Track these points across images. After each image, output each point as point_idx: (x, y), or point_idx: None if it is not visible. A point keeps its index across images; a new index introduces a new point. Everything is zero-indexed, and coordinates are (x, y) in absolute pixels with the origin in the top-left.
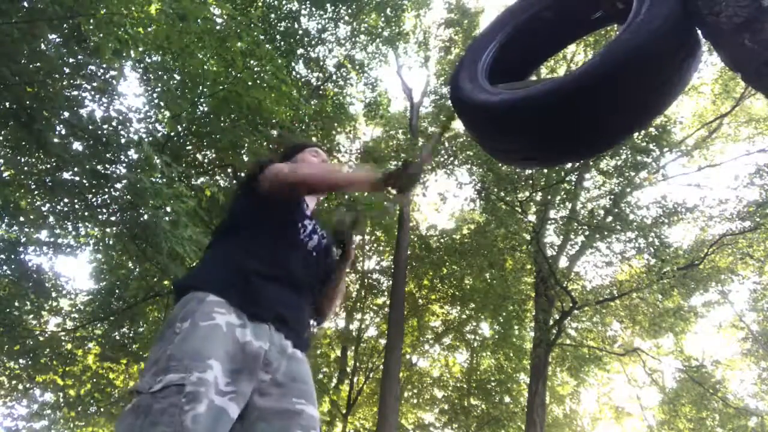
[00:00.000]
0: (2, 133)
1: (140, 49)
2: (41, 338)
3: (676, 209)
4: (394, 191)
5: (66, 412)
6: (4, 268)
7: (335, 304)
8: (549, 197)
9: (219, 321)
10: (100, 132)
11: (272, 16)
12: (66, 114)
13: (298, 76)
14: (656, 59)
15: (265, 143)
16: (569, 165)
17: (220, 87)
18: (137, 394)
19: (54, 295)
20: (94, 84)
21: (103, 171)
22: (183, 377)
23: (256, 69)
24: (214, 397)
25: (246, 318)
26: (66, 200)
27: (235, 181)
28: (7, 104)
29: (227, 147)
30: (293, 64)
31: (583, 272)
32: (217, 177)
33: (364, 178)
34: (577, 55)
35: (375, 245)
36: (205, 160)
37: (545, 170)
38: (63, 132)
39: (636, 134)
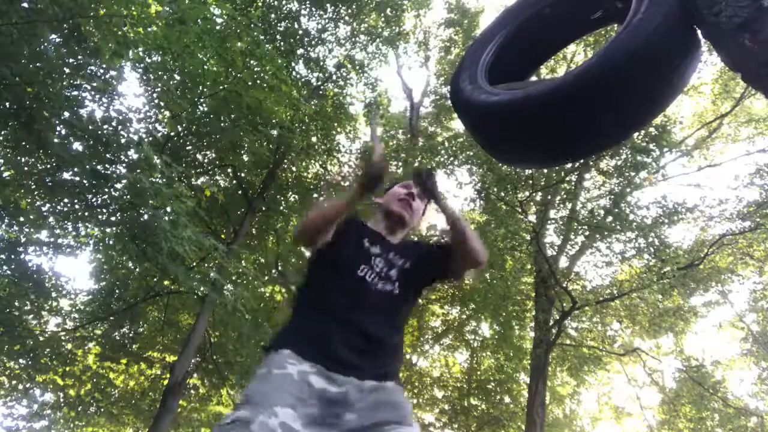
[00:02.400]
0: (2, 133)
1: (140, 49)
2: (41, 338)
3: (676, 209)
4: (372, 194)
5: (66, 412)
6: (4, 268)
7: (473, 251)
8: (549, 197)
9: (291, 370)
10: (100, 132)
11: (272, 16)
12: (66, 114)
13: (298, 76)
14: (655, 59)
15: (265, 143)
16: (569, 165)
17: (220, 87)
18: (217, 426)
19: (54, 295)
20: (94, 84)
21: (103, 171)
22: (250, 416)
23: (256, 69)
24: None
25: (320, 367)
26: (66, 200)
27: (235, 182)
28: (7, 104)
29: (227, 147)
30: (293, 64)
31: (583, 272)
32: (217, 177)
33: (344, 198)
34: (577, 55)
35: None
36: (205, 160)
37: (545, 170)
38: (63, 132)
39: (636, 134)
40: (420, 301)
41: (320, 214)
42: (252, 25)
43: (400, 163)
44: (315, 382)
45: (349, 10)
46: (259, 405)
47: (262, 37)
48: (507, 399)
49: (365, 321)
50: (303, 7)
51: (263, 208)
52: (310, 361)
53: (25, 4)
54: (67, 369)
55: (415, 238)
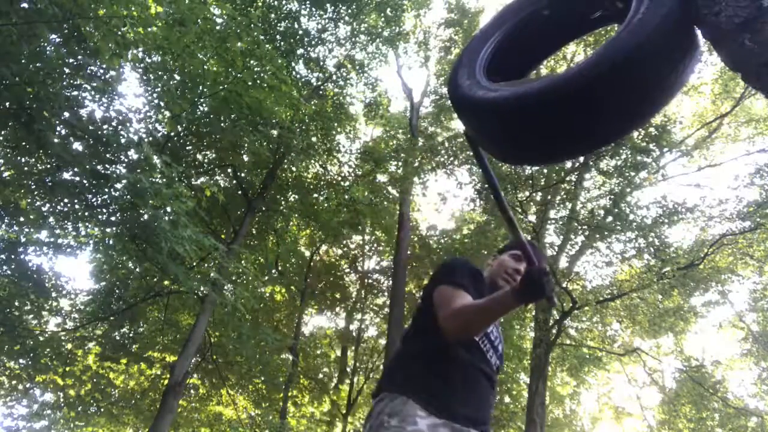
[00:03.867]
0: (2, 133)
1: (140, 49)
2: (41, 338)
3: (676, 209)
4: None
5: (66, 412)
6: (4, 268)
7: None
8: (549, 197)
9: (421, 426)
10: (100, 132)
11: (272, 16)
12: (66, 114)
13: (298, 76)
14: (655, 58)
15: (265, 143)
16: (569, 165)
17: (220, 87)
18: None
19: (54, 295)
20: (94, 84)
21: (103, 171)
22: None
23: (256, 69)
24: None
25: (448, 422)
26: (66, 200)
27: (235, 182)
28: (7, 104)
29: (227, 147)
30: (293, 64)
31: (583, 272)
32: (217, 177)
33: (503, 305)
34: (577, 54)
35: (375, 245)
36: (205, 160)
37: (545, 170)
38: (63, 132)
39: (635, 133)
40: None
41: (476, 325)
42: (252, 25)
43: (399, 163)
44: None
45: (349, 10)
46: None
47: (262, 37)
48: (507, 399)
49: (486, 388)
50: (303, 7)
51: (263, 208)
52: (436, 414)
53: (25, 5)
54: (67, 369)
55: None
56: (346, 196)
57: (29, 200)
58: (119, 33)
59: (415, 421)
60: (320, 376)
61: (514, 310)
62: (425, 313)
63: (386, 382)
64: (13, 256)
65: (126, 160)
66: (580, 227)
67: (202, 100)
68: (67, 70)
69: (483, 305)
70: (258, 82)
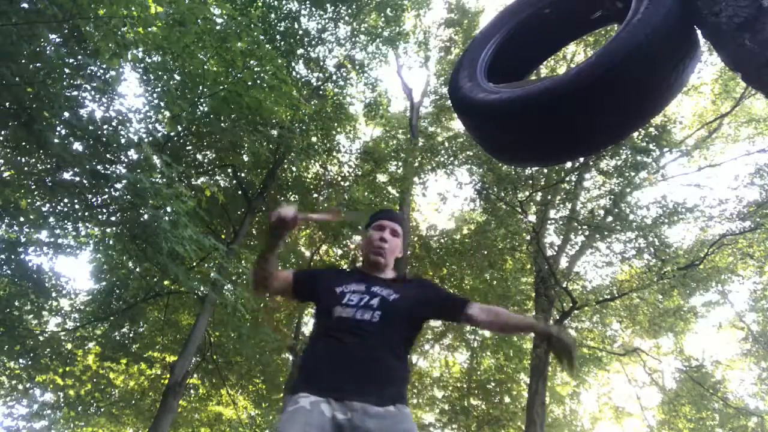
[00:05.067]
0: (2, 133)
1: (140, 49)
2: (41, 338)
3: (676, 209)
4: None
5: (66, 412)
6: (4, 268)
7: (498, 320)
8: (549, 197)
9: (303, 403)
10: (100, 132)
11: (272, 16)
12: (66, 114)
13: (298, 76)
14: (654, 58)
15: (265, 143)
16: (569, 165)
17: (220, 87)
18: None
19: (54, 295)
20: (94, 84)
21: (103, 171)
22: None
23: (256, 69)
24: None
25: (327, 396)
26: (66, 200)
27: (235, 182)
28: (7, 104)
29: (227, 147)
30: (293, 64)
31: (583, 272)
32: (217, 177)
33: (261, 256)
34: (577, 55)
35: None
36: (205, 160)
37: (545, 170)
38: (63, 132)
39: (635, 133)
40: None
41: (255, 279)
42: (252, 25)
43: (400, 163)
44: (325, 410)
45: (349, 10)
46: None
47: (262, 37)
48: (507, 399)
49: (355, 350)
50: (303, 7)
51: (263, 208)
52: (316, 393)
53: (25, 5)
54: (67, 369)
55: (425, 278)
56: (346, 196)
57: (29, 200)
58: (119, 33)
59: (297, 401)
60: None
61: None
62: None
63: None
64: (13, 256)
65: (126, 160)
66: (580, 227)
67: (202, 100)
68: (67, 70)
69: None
70: (258, 82)
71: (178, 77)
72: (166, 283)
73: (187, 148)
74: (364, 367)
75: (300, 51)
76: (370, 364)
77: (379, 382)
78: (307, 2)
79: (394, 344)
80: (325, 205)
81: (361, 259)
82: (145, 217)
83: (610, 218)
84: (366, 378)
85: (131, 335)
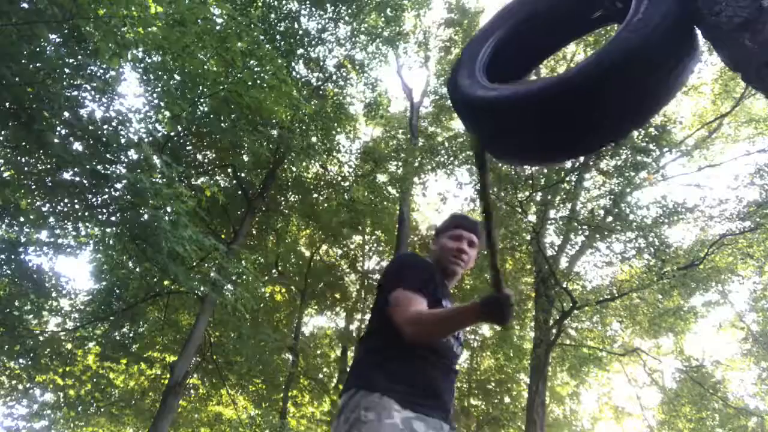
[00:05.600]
0: (2, 133)
1: (140, 49)
2: (41, 338)
3: (676, 209)
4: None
5: (66, 412)
6: (4, 268)
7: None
8: (549, 197)
9: (396, 420)
10: (100, 132)
11: (272, 16)
12: (66, 114)
13: (298, 76)
14: (654, 58)
15: (265, 143)
16: (569, 165)
17: (220, 87)
18: None
19: (54, 295)
20: (94, 84)
21: (103, 171)
22: None
23: (256, 69)
24: None
25: (421, 414)
26: (66, 200)
27: (235, 182)
28: (7, 104)
29: (227, 147)
30: (293, 64)
31: (583, 272)
32: (217, 177)
33: (467, 317)
34: (577, 54)
35: (375, 245)
36: (205, 160)
37: (545, 170)
38: (63, 132)
39: (635, 133)
40: None
41: (436, 332)
42: (252, 25)
43: (400, 163)
44: (417, 427)
45: (349, 10)
46: None
47: (262, 37)
48: (507, 399)
49: (447, 375)
50: (303, 7)
51: (263, 208)
52: (410, 408)
53: (25, 5)
54: (67, 369)
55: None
56: (346, 196)
57: (29, 200)
58: (119, 33)
59: (392, 415)
60: (320, 376)
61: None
62: (384, 313)
63: (357, 378)
64: (13, 256)
65: (126, 160)
66: (580, 227)
67: (202, 100)
68: (67, 70)
69: (443, 316)
70: (258, 82)
71: (178, 77)
72: (166, 283)
73: (187, 148)
74: (450, 394)
75: (300, 51)
76: (452, 391)
77: (450, 408)
78: (307, 2)
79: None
80: (326, 205)
81: (435, 261)
82: (145, 217)
83: (610, 218)
84: (447, 404)
85: (131, 335)
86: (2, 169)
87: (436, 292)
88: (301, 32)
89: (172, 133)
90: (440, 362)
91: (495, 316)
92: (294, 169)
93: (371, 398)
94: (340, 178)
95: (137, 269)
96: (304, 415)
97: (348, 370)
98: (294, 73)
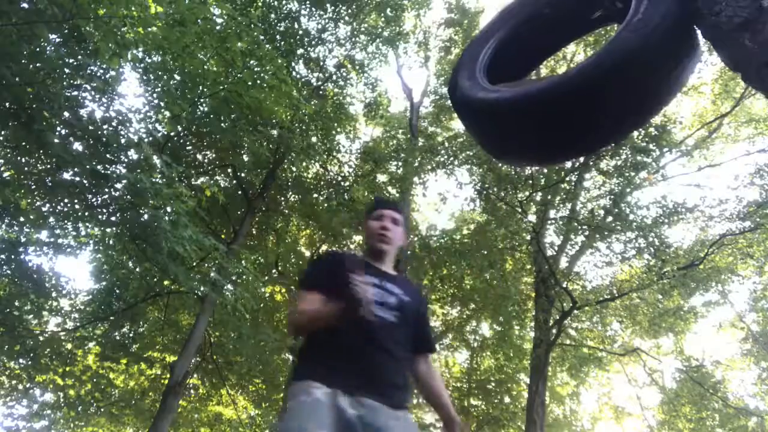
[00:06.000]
0: (2, 133)
1: (140, 49)
2: (41, 338)
3: (676, 209)
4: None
5: (66, 412)
6: (4, 268)
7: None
8: (549, 197)
9: (317, 394)
10: (100, 132)
11: (272, 16)
12: (66, 114)
13: (298, 76)
14: (654, 58)
15: (265, 143)
16: (569, 165)
17: (220, 87)
18: None
19: (54, 295)
20: (94, 84)
21: (103, 171)
22: None
23: (256, 69)
24: None
25: (340, 390)
26: (66, 200)
27: (235, 182)
28: (7, 104)
29: (227, 147)
30: (293, 64)
31: (583, 272)
32: (217, 177)
33: (326, 313)
34: (577, 55)
35: None
36: (205, 160)
37: (545, 170)
38: (63, 132)
39: (635, 133)
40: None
41: (301, 324)
42: (252, 25)
43: (400, 163)
44: (338, 402)
45: (349, 10)
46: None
47: (262, 37)
48: (507, 399)
49: (372, 348)
50: (303, 7)
51: (263, 208)
52: (329, 385)
53: (25, 5)
54: (67, 369)
55: (419, 288)
56: (346, 196)
57: (29, 200)
58: (119, 33)
59: (310, 392)
60: None
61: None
62: None
63: (289, 379)
64: (13, 256)
65: (126, 160)
66: (580, 227)
67: (202, 100)
68: (67, 70)
69: (310, 314)
70: (258, 82)
71: (178, 77)
72: (166, 283)
73: (187, 148)
74: (381, 367)
75: (300, 51)
76: (387, 365)
77: (393, 385)
78: (307, 2)
79: (407, 348)
80: (326, 205)
81: (365, 245)
82: (145, 217)
83: (610, 218)
84: (381, 378)
85: (131, 335)
86: (2, 169)
87: (340, 279)
88: (301, 32)
89: (172, 133)
90: (365, 339)
91: (350, 316)
92: (294, 169)
93: (293, 387)
94: (340, 178)
95: (137, 269)
96: None
97: None
98: (294, 73)
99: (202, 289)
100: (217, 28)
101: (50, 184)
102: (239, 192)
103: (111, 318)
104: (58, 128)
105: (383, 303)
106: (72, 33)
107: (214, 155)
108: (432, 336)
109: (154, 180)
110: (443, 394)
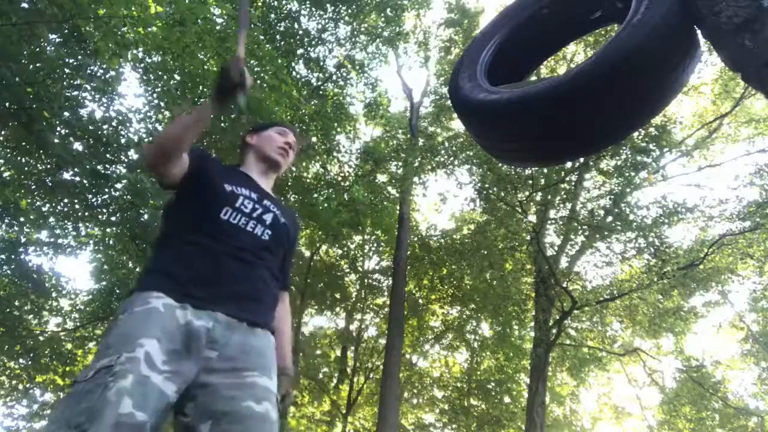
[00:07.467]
0: (2, 133)
1: (140, 49)
2: (41, 338)
3: (676, 209)
4: (230, 99)
5: None
6: (4, 268)
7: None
8: (549, 197)
9: (155, 304)
10: (100, 132)
11: (272, 16)
12: (66, 114)
13: (298, 76)
14: (654, 59)
15: None
16: (569, 165)
17: None
18: (74, 383)
19: (54, 295)
20: (94, 84)
21: (103, 171)
22: (112, 359)
23: (256, 69)
24: (147, 372)
25: (187, 302)
26: (66, 200)
27: None
28: (7, 104)
29: (227, 147)
30: (293, 64)
31: (583, 272)
32: None
33: (198, 110)
34: (577, 55)
35: (375, 245)
36: None
37: (545, 170)
38: (63, 132)
39: (635, 133)
40: (421, 300)
41: (171, 134)
42: (252, 25)
43: (400, 163)
44: (180, 315)
45: (349, 10)
46: (121, 345)
47: (262, 37)
48: (507, 399)
49: (236, 261)
50: (303, 7)
51: None
52: (174, 297)
53: (25, 5)
54: (67, 369)
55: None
56: (346, 196)
57: (29, 200)
58: (119, 33)
59: (147, 302)
60: (320, 376)
61: (211, 112)
62: (167, 213)
63: (133, 285)
64: (13, 256)
65: (126, 160)
66: (580, 227)
67: (202, 100)
68: (67, 70)
69: (177, 120)
70: (258, 82)
71: (178, 77)
72: None
73: None
74: (244, 281)
75: (300, 51)
76: (252, 279)
77: (257, 302)
78: (307, 2)
79: (276, 269)
80: (326, 205)
81: (250, 156)
82: (145, 217)
83: (610, 218)
84: (244, 294)
85: None
86: (2, 169)
87: (218, 172)
88: (301, 32)
89: None
90: (230, 249)
91: (224, 85)
92: (294, 169)
93: (128, 298)
94: (340, 178)
95: (137, 269)
96: (304, 415)
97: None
98: (294, 73)
99: None
100: (217, 28)
101: (50, 184)
102: None
103: (111, 318)
104: (58, 128)
105: (258, 218)
106: (72, 33)
107: (213, 155)
108: (290, 268)
109: (154, 180)
110: (286, 343)
